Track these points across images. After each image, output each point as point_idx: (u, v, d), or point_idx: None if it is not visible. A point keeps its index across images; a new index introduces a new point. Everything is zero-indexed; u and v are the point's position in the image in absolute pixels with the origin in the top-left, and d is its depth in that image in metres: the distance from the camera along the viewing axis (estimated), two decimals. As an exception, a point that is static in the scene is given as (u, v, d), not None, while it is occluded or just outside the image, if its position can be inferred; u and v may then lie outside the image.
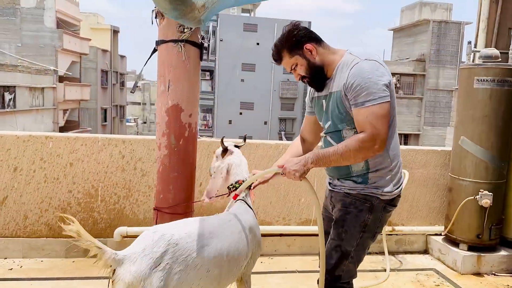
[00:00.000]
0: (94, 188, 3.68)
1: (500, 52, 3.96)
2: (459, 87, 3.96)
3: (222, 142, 2.37)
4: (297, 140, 2.37)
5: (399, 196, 2.06)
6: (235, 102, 36.34)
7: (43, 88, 21.25)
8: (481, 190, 3.76)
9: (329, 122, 2.03)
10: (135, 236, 3.67)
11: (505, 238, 4.00)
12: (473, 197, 3.78)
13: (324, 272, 2.04)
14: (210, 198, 2.27)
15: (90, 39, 26.84)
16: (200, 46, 2.40)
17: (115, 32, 31.72)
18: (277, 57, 2.05)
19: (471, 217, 3.83)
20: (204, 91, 37.09)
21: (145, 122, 53.50)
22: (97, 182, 3.69)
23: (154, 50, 2.38)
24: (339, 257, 2.04)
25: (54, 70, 22.34)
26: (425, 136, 23.40)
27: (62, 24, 24.56)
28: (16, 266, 3.45)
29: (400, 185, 2.04)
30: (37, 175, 3.58)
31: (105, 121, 30.52)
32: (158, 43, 2.38)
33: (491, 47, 4.19)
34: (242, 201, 2.22)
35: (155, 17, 2.36)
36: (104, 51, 29.86)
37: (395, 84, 24.14)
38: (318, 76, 2.02)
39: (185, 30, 2.31)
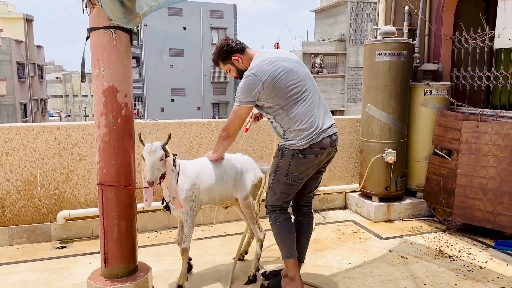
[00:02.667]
0: (32, 175, 3.78)
1: (397, 29, 4.58)
2: (364, 61, 4.53)
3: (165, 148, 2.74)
4: None
5: (311, 147, 2.64)
6: (165, 88, 35.80)
7: (-49, 84, 19.55)
8: (386, 149, 4.38)
9: None
10: (78, 218, 3.88)
11: (409, 189, 4.70)
12: (380, 156, 4.39)
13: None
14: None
15: (1, 30, 24.91)
16: (130, 31, 2.63)
17: (28, 21, 29.61)
18: (215, 64, 2.88)
19: (380, 173, 4.46)
20: (132, 79, 36.01)
21: (69, 116, 50.74)
22: (35, 169, 3.78)
23: (87, 37, 2.58)
24: (268, 188, 2.87)
25: (-38, 64, 20.57)
26: (349, 112, 24.87)
27: (-33, 14, 22.54)
28: (-42, 258, 3.49)
29: (307, 139, 2.62)
30: (-29, 167, 3.61)
31: (26, 116, 28.68)
32: (90, 30, 2.57)
33: (389, 24, 4.80)
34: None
35: (86, 7, 2.55)
36: (18, 41, 27.85)
37: (320, 64, 25.28)
38: None
39: (115, 17, 2.53)
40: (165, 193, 2.87)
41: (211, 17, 36.47)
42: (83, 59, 2.61)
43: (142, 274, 2.79)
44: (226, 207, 3.20)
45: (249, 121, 3.16)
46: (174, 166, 2.79)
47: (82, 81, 2.68)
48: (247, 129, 3.17)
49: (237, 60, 2.76)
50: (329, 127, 2.70)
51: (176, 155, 2.88)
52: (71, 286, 3.02)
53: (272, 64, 2.63)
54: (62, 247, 3.75)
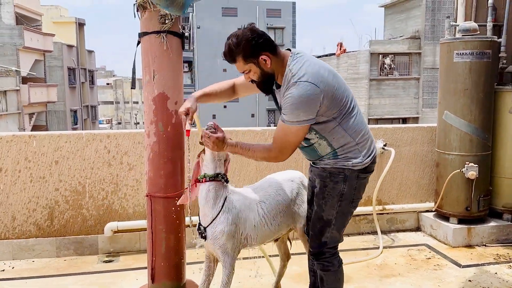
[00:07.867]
0: (81, 184, 4.03)
1: (479, 25, 4.40)
2: (440, 62, 4.39)
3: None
4: (226, 83, 2.75)
5: (373, 162, 2.47)
6: (218, 94, 36.61)
7: (5, 91, 21.28)
8: (467, 162, 4.19)
9: None
10: (126, 231, 4.08)
11: (494, 209, 4.46)
12: (459, 170, 4.21)
13: None
14: None
15: (53, 35, 26.84)
16: (181, 36, 2.77)
17: (80, 25, 31.69)
18: (230, 59, 2.32)
19: (459, 190, 4.27)
20: (184, 84, 37.20)
21: (119, 123, 53.34)
22: (83, 178, 4.03)
23: (138, 43, 2.74)
24: (322, 226, 2.50)
25: (16, 70, 22.39)
26: (425, 119, 23.94)
27: (22, 20, 24.56)
28: (8, 268, 3.79)
29: (371, 154, 2.44)
30: (22, 175, 3.92)
31: (76, 123, 30.57)
32: (141, 35, 2.73)
33: (470, 20, 4.62)
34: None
35: (137, 11, 2.72)
36: (70, 46, 29.83)
37: (390, 65, 24.70)
38: (268, 83, 2.40)
39: (166, 21, 2.67)
40: (202, 212, 2.53)
41: (268, 16, 36.91)
42: (134, 65, 2.77)
43: (190, 293, 2.89)
44: (276, 240, 2.92)
45: (186, 119, 2.56)
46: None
47: (132, 88, 2.83)
48: (188, 132, 2.58)
49: (265, 60, 2.29)
50: None
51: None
52: (118, 303, 3.18)
53: (324, 69, 2.30)
54: (109, 261, 3.95)
